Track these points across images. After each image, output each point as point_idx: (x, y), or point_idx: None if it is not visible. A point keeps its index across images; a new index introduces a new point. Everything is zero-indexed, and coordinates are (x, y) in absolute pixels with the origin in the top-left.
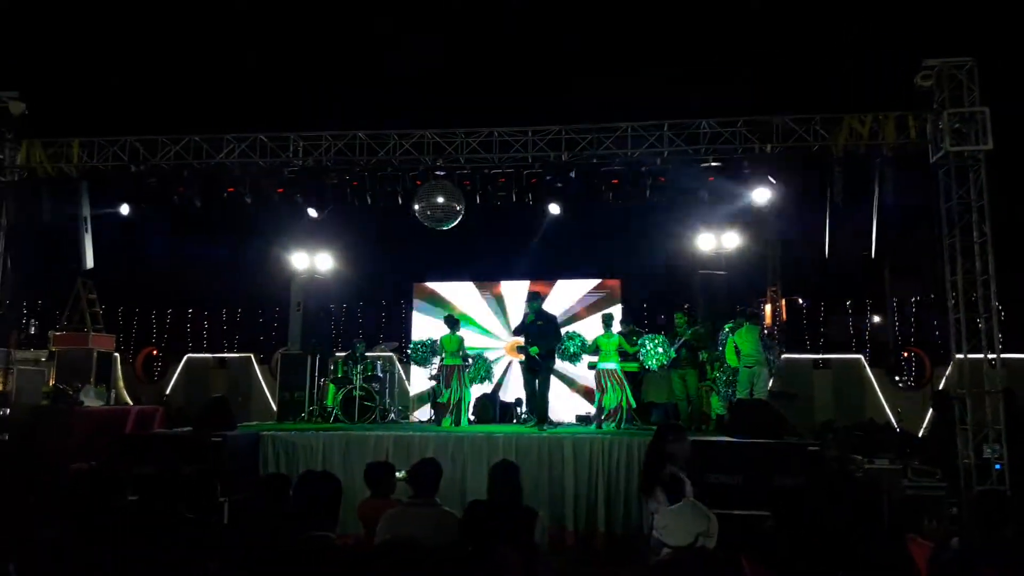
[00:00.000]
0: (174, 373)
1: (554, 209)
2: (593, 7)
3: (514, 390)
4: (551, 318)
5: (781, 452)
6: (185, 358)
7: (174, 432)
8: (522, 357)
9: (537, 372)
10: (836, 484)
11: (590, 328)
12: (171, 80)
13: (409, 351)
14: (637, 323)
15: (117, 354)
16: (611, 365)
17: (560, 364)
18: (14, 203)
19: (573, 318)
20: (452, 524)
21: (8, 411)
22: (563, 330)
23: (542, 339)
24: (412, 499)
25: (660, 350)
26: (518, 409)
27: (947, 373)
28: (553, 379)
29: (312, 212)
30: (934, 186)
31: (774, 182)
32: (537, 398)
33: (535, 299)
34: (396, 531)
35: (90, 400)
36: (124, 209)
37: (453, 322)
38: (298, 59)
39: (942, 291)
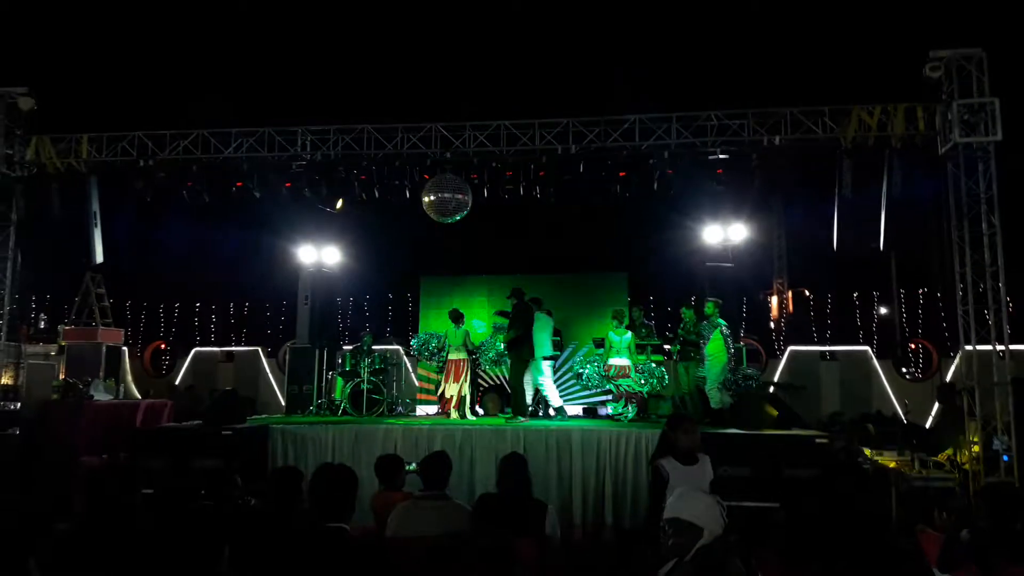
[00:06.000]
0: (182, 367)
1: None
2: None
3: None
4: (522, 309)
5: (790, 444)
6: (193, 351)
7: (185, 426)
8: None
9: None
10: (845, 476)
11: (599, 322)
12: (179, 75)
13: (414, 351)
14: (644, 316)
15: (126, 348)
16: (623, 360)
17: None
18: (24, 198)
19: (579, 312)
20: (463, 517)
21: (19, 405)
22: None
23: (509, 329)
24: (423, 492)
25: (654, 380)
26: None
27: (954, 365)
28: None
29: (329, 208)
30: (943, 177)
31: (782, 176)
32: (509, 389)
33: (513, 294)
34: (408, 524)
35: (100, 394)
36: None
37: (458, 316)
38: (306, 53)
39: (950, 283)
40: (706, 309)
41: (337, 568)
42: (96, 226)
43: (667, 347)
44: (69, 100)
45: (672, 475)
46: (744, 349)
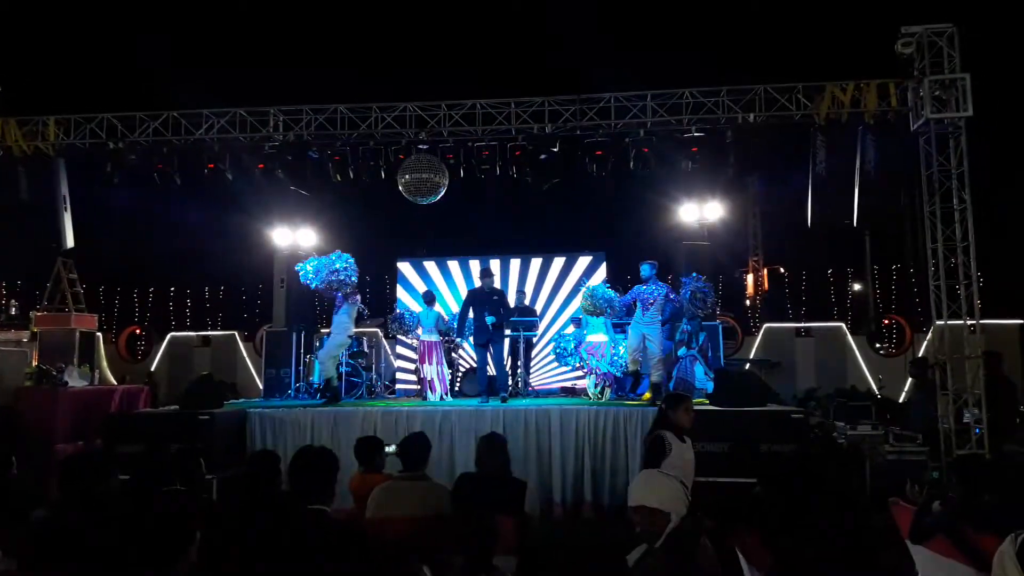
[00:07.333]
0: (158, 352)
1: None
2: None
3: None
4: (502, 292)
5: (766, 420)
6: (168, 336)
7: (160, 411)
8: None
9: (489, 346)
10: (820, 450)
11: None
12: (148, 56)
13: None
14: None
15: (100, 334)
16: (600, 336)
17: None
18: None
19: (557, 292)
20: (443, 496)
21: None
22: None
23: (500, 310)
24: (402, 473)
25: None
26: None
27: (927, 339)
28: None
29: (303, 192)
30: (915, 154)
31: (756, 153)
32: (496, 369)
33: (487, 275)
34: (387, 504)
35: (74, 380)
36: None
37: (431, 298)
38: (276, 32)
39: (923, 259)
40: (652, 271)
41: (318, 550)
42: (66, 210)
43: None
44: (35, 82)
45: (672, 448)
46: (720, 326)
